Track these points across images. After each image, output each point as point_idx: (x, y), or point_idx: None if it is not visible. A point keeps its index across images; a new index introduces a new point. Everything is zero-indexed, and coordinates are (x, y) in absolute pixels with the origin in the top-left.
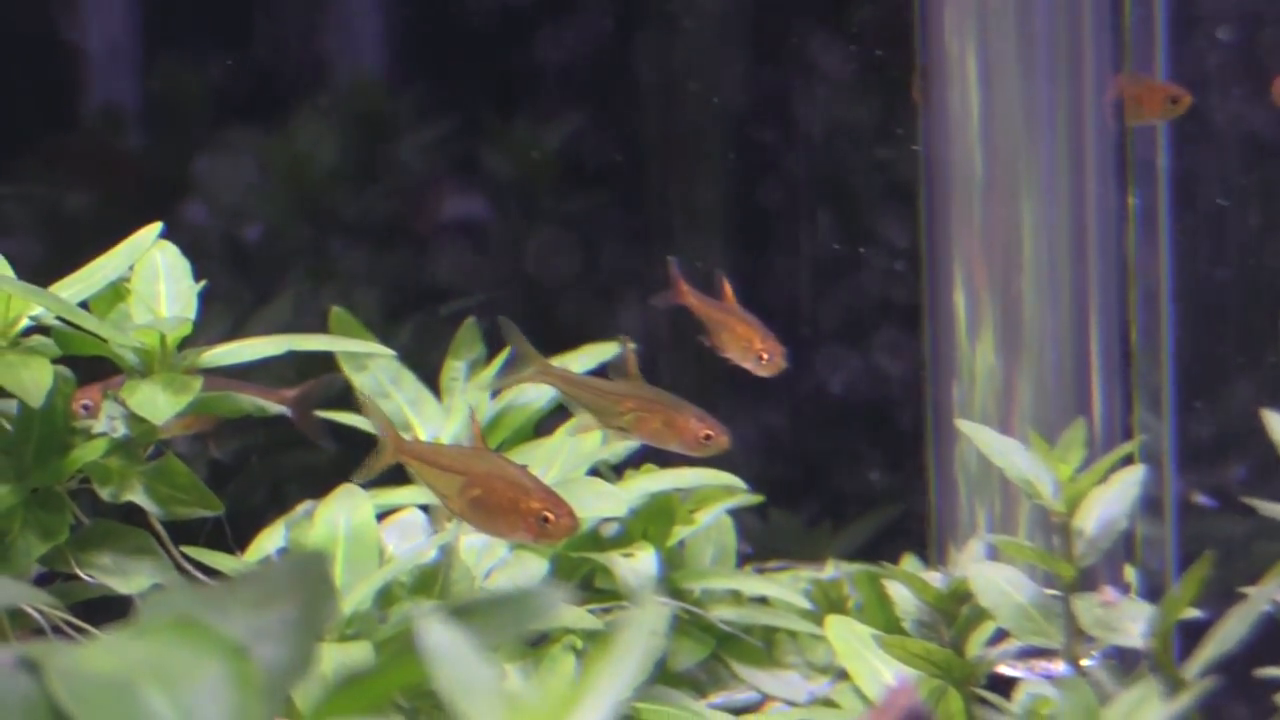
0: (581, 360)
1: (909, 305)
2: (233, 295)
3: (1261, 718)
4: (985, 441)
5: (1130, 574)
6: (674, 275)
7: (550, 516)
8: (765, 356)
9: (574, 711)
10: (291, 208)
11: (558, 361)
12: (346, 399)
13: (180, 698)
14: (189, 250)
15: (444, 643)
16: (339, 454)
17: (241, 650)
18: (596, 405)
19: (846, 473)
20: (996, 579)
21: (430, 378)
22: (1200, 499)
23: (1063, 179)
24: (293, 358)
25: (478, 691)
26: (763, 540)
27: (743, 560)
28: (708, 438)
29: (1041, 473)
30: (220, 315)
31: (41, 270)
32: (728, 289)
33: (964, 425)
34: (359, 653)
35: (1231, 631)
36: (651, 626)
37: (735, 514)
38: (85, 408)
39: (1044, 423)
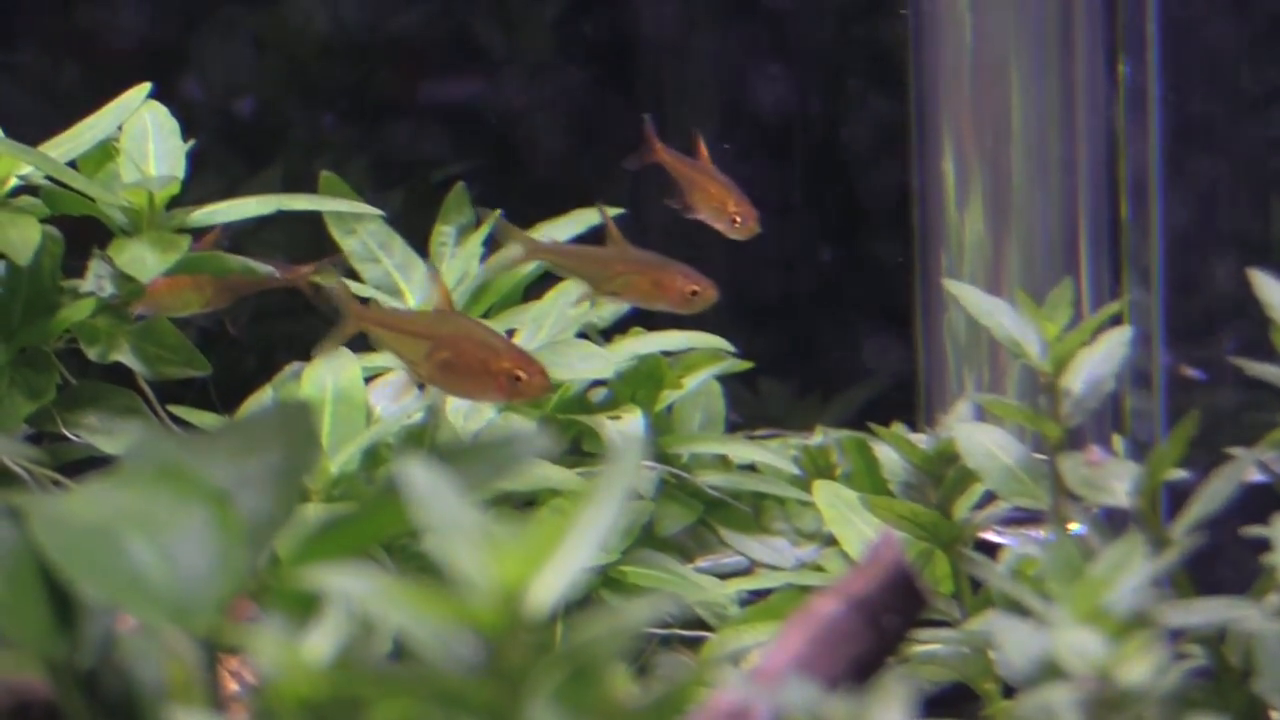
0: (565, 228)
1: (898, 176)
2: (226, 169)
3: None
4: (972, 301)
5: (1118, 443)
6: (647, 133)
7: (521, 375)
8: (738, 219)
9: (555, 551)
10: (284, 81)
11: (540, 229)
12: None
13: (163, 544)
14: (183, 126)
15: (426, 484)
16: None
17: (224, 497)
18: (589, 273)
19: (836, 344)
20: (983, 440)
21: (421, 246)
22: (1190, 372)
23: (1052, 47)
24: (284, 231)
25: (460, 532)
26: (753, 410)
27: (732, 429)
28: (694, 293)
29: (1028, 332)
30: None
31: (37, 144)
32: (703, 149)
33: (951, 285)
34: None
35: (1218, 491)
36: (633, 472)
37: (725, 384)
38: None
39: (1032, 294)
